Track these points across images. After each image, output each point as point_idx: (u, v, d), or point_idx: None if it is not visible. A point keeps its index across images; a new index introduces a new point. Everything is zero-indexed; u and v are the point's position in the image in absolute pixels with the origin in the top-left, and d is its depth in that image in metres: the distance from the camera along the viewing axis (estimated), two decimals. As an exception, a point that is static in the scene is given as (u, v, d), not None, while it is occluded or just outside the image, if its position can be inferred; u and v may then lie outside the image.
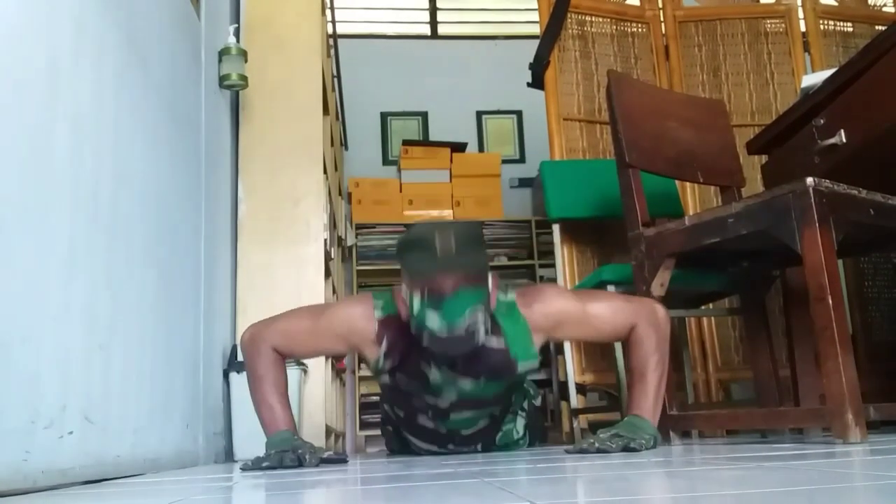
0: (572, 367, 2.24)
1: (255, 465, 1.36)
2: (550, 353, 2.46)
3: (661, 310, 1.53)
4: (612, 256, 2.49)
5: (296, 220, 2.38)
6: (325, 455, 1.42)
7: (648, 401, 1.47)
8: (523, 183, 4.66)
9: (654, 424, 1.45)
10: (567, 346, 2.26)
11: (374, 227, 4.19)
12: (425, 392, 1.55)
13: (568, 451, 1.42)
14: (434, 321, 1.34)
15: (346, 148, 4.51)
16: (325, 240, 2.47)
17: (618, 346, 2.02)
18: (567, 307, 1.52)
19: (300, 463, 1.36)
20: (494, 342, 1.47)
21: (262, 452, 1.43)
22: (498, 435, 1.75)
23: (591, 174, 2.47)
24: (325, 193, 2.54)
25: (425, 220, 1.42)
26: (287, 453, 1.36)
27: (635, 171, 1.78)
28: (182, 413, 1.69)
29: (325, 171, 2.56)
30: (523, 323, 1.49)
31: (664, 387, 1.52)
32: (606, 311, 1.53)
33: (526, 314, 1.49)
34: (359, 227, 4.18)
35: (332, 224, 3.12)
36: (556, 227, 2.46)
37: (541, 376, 2.63)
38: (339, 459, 1.46)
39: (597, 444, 1.35)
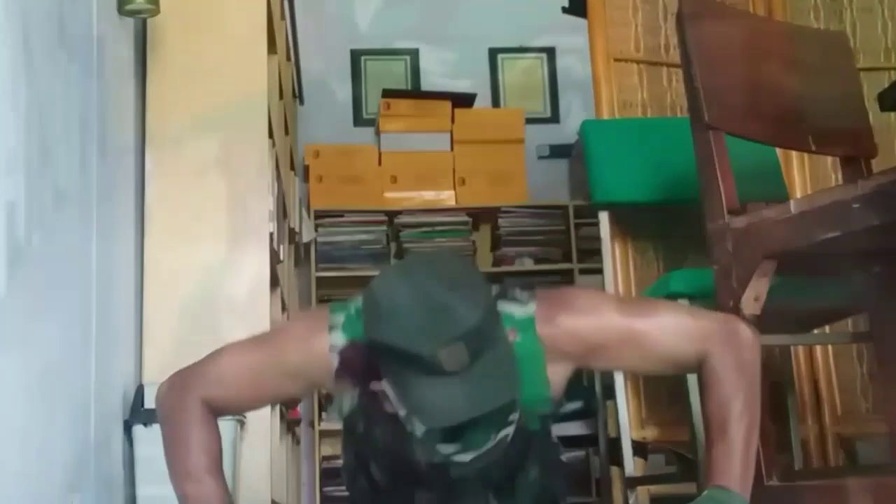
0: (627, 418, 2.26)
1: None
2: (596, 399, 2.45)
3: (746, 332, 1.54)
4: (683, 258, 2.50)
5: (229, 206, 2.38)
6: None
7: (734, 465, 1.46)
8: (557, 152, 4.62)
9: (747, 498, 1.46)
10: (619, 386, 2.28)
11: (342, 216, 4.18)
12: (405, 445, 1.55)
13: None
14: (450, 449, 1.42)
15: (302, 102, 4.49)
16: (272, 234, 2.48)
17: (692, 382, 1.99)
18: (607, 323, 1.51)
19: None
20: None
21: None
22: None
23: (654, 140, 2.50)
24: (270, 167, 2.55)
25: (391, 279, 1.45)
26: None
27: (718, 136, 1.80)
28: (63, 481, 1.69)
29: (270, 136, 2.55)
30: (537, 350, 1.48)
31: (755, 444, 1.51)
32: (666, 331, 1.53)
33: (545, 334, 1.48)
34: (319, 215, 4.18)
35: (282, 211, 3.14)
36: (603, 217, 2.47)
37: (580, 430, 2.63)
38: None
39: None
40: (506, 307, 1.49)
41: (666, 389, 2.48)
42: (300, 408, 3.75)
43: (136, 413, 2.14)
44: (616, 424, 2.28)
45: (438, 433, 1.40)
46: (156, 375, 2.20)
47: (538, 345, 1.47)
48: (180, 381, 1.59)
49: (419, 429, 1.40)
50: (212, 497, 1.51)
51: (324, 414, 4.01)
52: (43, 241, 1.60)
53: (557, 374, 1.50)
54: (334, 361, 1.50)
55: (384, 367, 1.40)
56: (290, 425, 3.40)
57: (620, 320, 1.51)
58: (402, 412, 1.41)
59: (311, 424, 4.02)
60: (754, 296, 1.68)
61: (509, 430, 1.44)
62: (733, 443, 1.47)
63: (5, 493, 1.38)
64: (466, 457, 1.42)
